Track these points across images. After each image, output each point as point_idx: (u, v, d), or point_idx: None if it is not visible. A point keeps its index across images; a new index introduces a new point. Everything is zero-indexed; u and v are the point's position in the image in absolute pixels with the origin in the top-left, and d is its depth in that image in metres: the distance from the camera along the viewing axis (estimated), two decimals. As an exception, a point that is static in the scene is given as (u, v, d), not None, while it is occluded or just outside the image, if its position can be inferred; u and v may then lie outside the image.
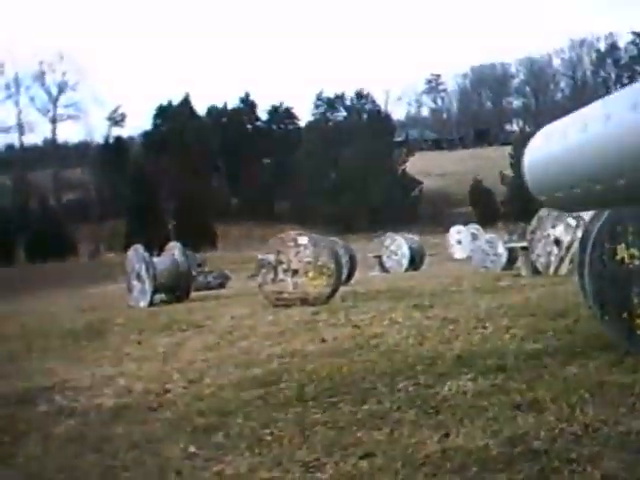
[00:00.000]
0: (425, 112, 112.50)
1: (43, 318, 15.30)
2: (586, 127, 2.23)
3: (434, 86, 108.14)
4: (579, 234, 7.91)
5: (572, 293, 9.53)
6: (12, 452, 5.40)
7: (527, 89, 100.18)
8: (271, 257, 13.58)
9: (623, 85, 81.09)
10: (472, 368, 6.53)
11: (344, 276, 17.88)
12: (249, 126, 79.83)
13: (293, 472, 4.40)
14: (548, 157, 2.52)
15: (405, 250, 28.72)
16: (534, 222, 15.92)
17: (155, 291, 17.26)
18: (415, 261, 28.80)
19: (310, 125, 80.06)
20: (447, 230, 39.14)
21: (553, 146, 2.48)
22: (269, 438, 5.09)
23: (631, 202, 2.65)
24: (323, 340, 8.99)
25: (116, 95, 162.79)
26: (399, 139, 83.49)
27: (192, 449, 5.02)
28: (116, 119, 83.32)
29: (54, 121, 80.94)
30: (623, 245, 6.45)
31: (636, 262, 6.39)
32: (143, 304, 16.92)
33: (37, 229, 62.13)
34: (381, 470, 4.26)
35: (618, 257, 6.48)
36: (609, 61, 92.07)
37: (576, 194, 2.38)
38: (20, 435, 5.85)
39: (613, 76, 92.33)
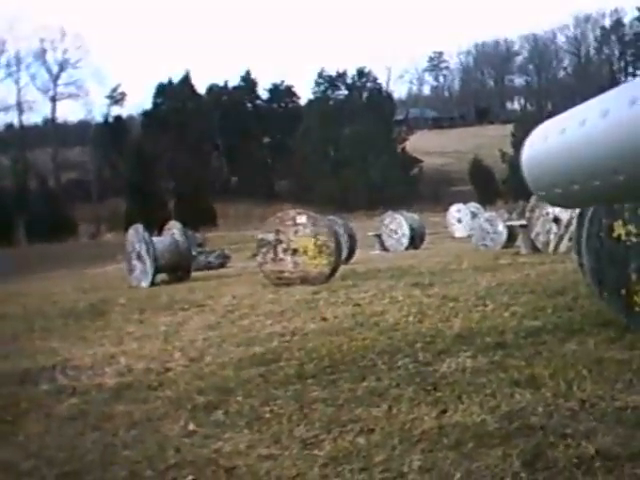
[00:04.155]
0: (427, 90, 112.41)
1: (44, 298, 15.35)
2: (584, 122, 2.23)
3: (436, 64, 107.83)
4: (578, 211, 7.94)
5: (571, 271, 9.58)
6: (13, 431, 5.44)
7: (530, 66, 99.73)
8: (271, 236, 13.59)
9: (627, 62, 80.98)
10: (471, 345, 6.57)
11: (344, 255, 17.93)
12: (249, 105, 79.66)
13: (291, 449, 4.43)
14: (546, 153, 2.52)
15: (405, 229, 28.71)
16: (533, 200, 15.91)
17: (156, 271, 17.29)
18: (415, 240, 28.79)
19: (311, 103, 79.88)
20: (447, 209, 39.08)
21: (551, 142, 2.48)
22: (268, 415, 5.13)
23: (630, 198, 2.66)
24: (324, 319, 9.02)
25: (117, 73, 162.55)
26: (399, 117, 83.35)
27: (191, 427, 5.05)
28: (116, 98, 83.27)
29: (54, 100, 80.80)
30: (620, 222, 6.46)
31: (633, 239, 6.41)
32: (145, 284, 16.96)
33: (37, 209, 62.13)
34: (378, 446, 4.29)
35: (615, 234, 6.49)
36: (613, 38, 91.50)
37: (574, 190, 2.38)
38: (22, 414, 5.89)
39: (617, 53, 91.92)
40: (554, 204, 2.83)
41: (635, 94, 2.00)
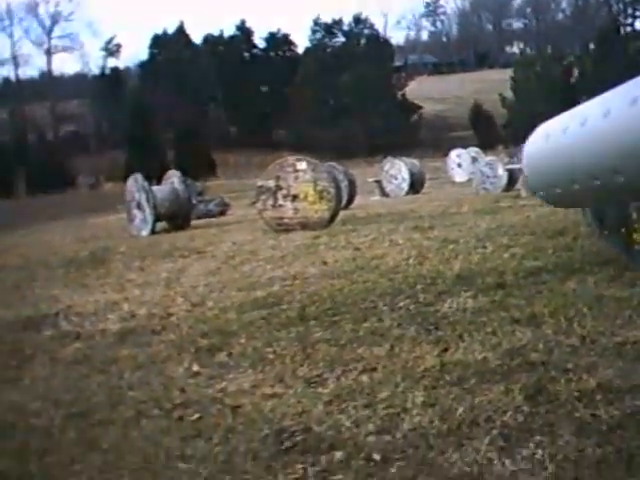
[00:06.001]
0: (425, 36, 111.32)
1: (45, 248, 15.36)
2: (585, 122, 2.22)
3: (433, 9, 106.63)
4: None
5: (572, 212, 9.57)
6: (19, 374, 5.49)
7: (528, 10, 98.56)
8: (271, 183, 13.56)
9: (625, 3, 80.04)
10: (472, 286, 6.59)
11: (344, 201, 17.91)
12: (246, 54, 78.86)
13: (295, 387, 4.48)
14: (547, 152, 2.52)
15: (405, 174, 28.62)
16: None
17: (156, 219, 17.28)
18: (415, 185, 28.72)
19: (308, 52, 79.05)
20: (447, 154, 38.90)
21: (552, 141, 2.47)
22: (271, 356, 5.17)
23: (630, 198, 2.65)
24: (324, 263, 9.03)
25: (111, 25, 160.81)
26: (398, 64, 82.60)
27: (195, 368, 5.10)
28: (111, 50, 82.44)
29: (49, 53, 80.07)
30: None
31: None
32: (145, 233, 16.95)
33: (36, 162, 61.94)
34: (381, 384, 4.34)
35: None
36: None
37: (575, 190, 2.38)
38: (26, 359, 5.94)
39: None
40: (554, 204, 2.83)
41: (636, 94, 1.98)
